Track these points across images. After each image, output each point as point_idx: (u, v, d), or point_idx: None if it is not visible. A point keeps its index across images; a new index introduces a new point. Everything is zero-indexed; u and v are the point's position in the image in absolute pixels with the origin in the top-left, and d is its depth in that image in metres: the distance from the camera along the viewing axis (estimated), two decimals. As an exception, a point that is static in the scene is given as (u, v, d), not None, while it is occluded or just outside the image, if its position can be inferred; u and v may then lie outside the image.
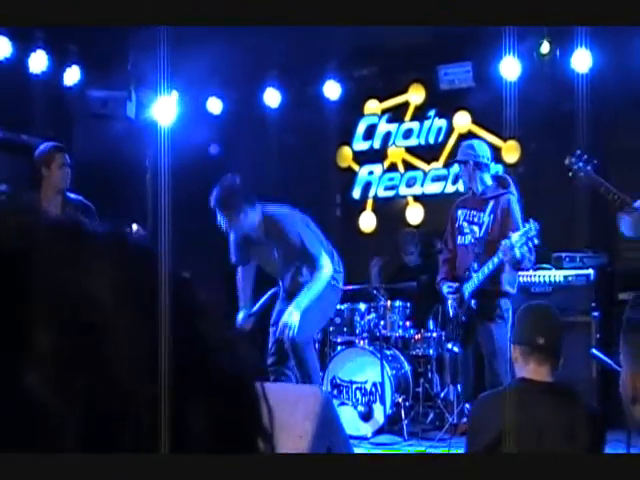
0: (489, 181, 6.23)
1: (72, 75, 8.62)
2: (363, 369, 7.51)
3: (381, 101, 9.61)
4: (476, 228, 6.12)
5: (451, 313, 6.25)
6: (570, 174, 5.24)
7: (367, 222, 9.68)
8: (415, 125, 9.49)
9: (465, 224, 6.19)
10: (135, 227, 6.15)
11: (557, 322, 3.50)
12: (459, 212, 6.31)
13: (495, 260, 5.81)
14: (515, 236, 5.65)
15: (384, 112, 9.64)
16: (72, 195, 6.33)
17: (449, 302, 6.29)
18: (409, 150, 9.54)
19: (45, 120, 8.18)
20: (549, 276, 7.27)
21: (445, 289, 6.27)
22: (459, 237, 6.24)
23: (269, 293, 6.75)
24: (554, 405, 3.23)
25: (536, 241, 5.60)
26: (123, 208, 7.92)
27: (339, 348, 7.79)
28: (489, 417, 3.27)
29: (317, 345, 8.07)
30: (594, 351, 5.87)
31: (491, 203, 6.12)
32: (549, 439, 3.09)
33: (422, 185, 9.44)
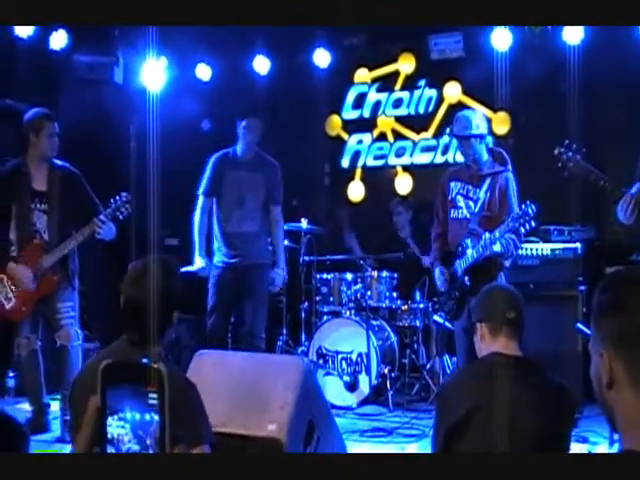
0: (485, 155, 6.10)
1: (58, 39, 8.51)
2: (349, 339, 7.50)
3: (371, 70, 9.54)
4: (471, 203, 6.02)
5: (441, 287, 6.16)
6: (560, 164, 5.19)
7: (356, 191, 9.65)
8: (405, 95, 9.44)
9: (460, 198, 6.08)
10: (125, 195, 6.08)
11: (522, 300, 3.59)
12: (452, 184, 6.17)
13: (491, 236, 5.76)
14: (509, 221, 5.62)
15: (374, 81, 9.58)
16: (58, 162, 6.28)
17: (436, 277, 6.21)
18: (399, 120, 9.48)
19: (31, 85, 8.08)
20: (536, 249, 7.25)
21: (437, 274, 6.19)
22: (452, 210, 6.12)
23: None
24: (527, 379, 3.26)
25: (533, 224, 5.56)
26: (109, 174, 7.84)
27: (325, 318, 7.78)
28: (462, 391, 3.28)
29: (304, 314, 8.07)
30: (580, 325, 5.86)
31: (488, 180, 6.01)
32: (521, 413, 3.10)
33: (411, 155, 9.39)
